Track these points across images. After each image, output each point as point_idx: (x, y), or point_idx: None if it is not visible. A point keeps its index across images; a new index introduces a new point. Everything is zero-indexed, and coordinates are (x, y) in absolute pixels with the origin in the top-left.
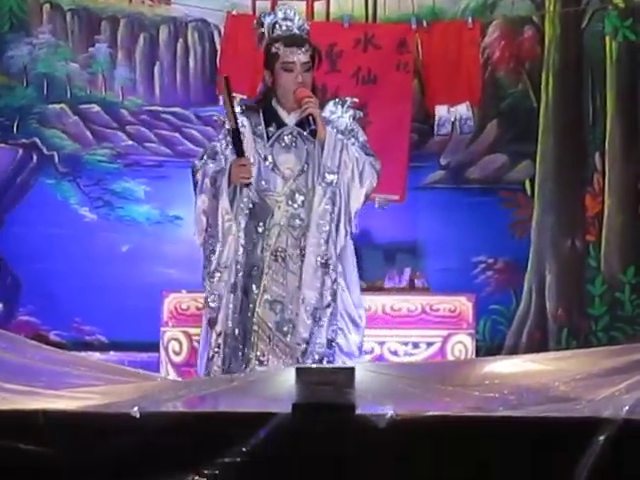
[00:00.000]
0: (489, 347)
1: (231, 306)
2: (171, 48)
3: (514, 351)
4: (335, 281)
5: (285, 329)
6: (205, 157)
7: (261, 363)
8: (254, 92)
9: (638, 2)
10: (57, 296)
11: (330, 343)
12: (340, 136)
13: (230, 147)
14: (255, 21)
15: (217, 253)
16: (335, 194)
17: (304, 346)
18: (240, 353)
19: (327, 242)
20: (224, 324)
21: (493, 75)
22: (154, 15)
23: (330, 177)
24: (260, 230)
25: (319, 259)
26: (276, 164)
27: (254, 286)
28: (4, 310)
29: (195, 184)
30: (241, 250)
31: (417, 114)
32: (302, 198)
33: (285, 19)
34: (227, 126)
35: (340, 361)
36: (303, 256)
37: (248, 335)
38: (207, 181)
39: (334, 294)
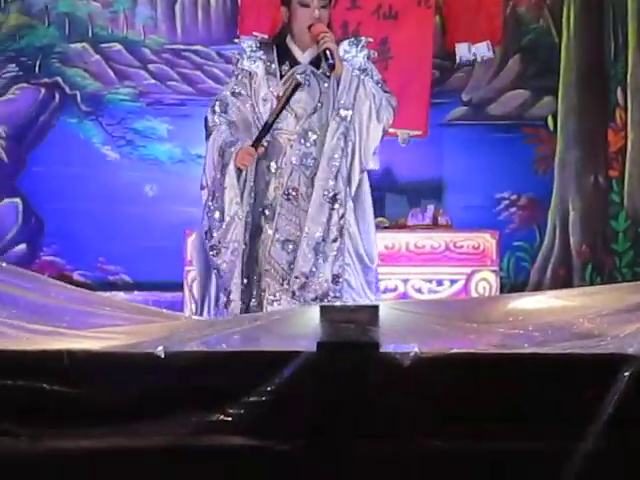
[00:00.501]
0: (513, 284)
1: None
2: None
3: (538, 288)
4: (343, 217)
5: None
6: (218, 110)
7: (273, 303)
8: (275, 32)
9: None
10: (80, 236)
11: (336, 278)
12: (357, 72)
13: (240, 92)
14: None
15: (220, 231)
16: (348, 130)
17: (303, 280)
18: (254, 293)
19: (336, 177)
20: (235, 268)
21: (514, 11)
22: None
23: (344, 112)
24: (273, 169)
25: (326, 193)
26: (289, 103)
27: (267, 226)
28: (27, 250)
29: (207, 138)
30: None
31: (438, 51)
32: (315, 137)
33: None
34: (240, 65)
35: (349, 298)
36: None
37: (260, 275)
38: (215, 151)
39: (341, 229)
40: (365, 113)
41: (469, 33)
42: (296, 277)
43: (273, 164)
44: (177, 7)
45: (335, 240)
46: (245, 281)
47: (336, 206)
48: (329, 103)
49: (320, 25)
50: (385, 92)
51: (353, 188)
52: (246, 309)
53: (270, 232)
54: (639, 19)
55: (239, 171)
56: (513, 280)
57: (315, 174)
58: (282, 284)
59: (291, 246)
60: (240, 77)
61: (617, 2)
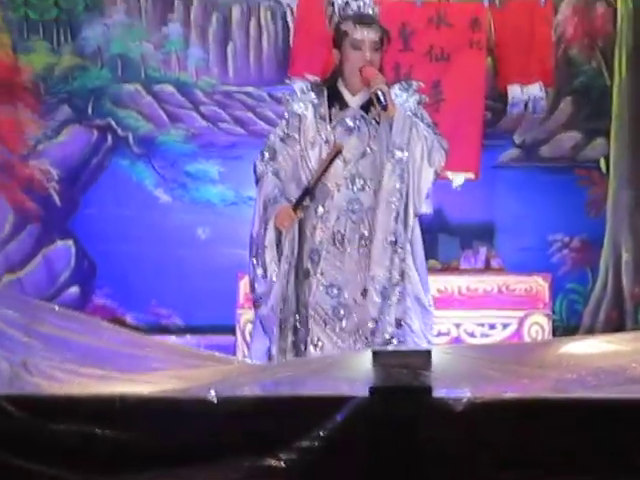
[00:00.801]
0: (566, 327)
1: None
2: (244, 28)
3: (591, 331)
4: (403, 260)
5: (341, 313)
6: (267, 157)
7: (316, 348)
8: (326, 73)
9: None
10: (133, 279)
11: (399, 323)
12: (409, 113)
13: (289, 135)
14: (326, 0)
15: (261, 287)
16: (404, 171)
17: (373, 325)
18: (298, 337)
19: (396, 220)
20: (280, 310)
21: (566, 53)
22: None
23: (399, 154)
24: (320, 213)
25: (389, 237)
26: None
27: (312, 270)
28: (80, 293)
29: (256, 184)
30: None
31: (490, 92)
32: (362, 182)
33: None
34: (289, 108)
35: (411, 342)
36: (362, 239)
37: (304, 319)
38: (260, 204)
39: (402, 273)
40: (418, 155)
41: (521, 74)
42: (366, 322)
43: (320, 208)
44: (229, 49)
45: (397, 284)
46: (288, 327)
47: (397, 249)
48: (382, 146)
49: (371, 68)
50: (436, 134)
51: (409, 231)
52: (294, 353)
53: (316, 276)
54: None
55: (279, 232)
56: (566, 323)
57: (362, 219)
58: (325, 328)
59: (335, 291)
60: (290, 120)
61: None
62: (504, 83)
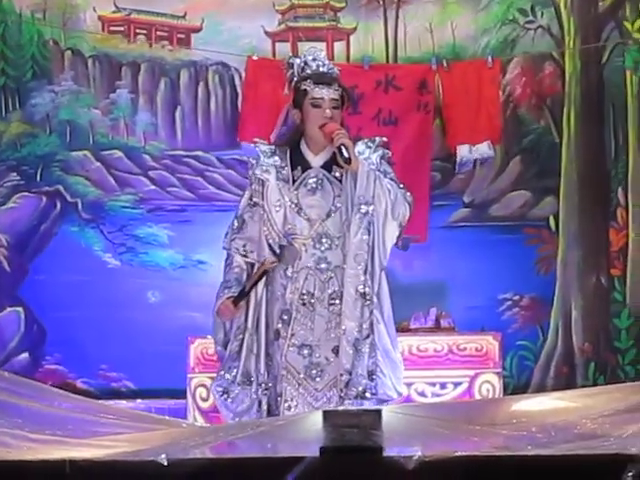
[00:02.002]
0: (516, 383)
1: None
2: (192, 92)
3: (541, 386)
4: (372, 312)
5: (314, 373)
6: (235, 226)
7: (289, 408)
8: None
9: None
10: (83, 344)
11: (371, 375)
12: (373, 166)
13: (255, 202)
14: (285, 63)
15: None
16: (370, 224)
17: (347, 377)
18: (271, 400)
19: (365, 273)
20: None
21: (515, 112)
22: (174, 59)
23: (365, 208)
24: (289, 274)
25: (359, 288)
26: (302, 207)
27: (283, 331)
28: (30, 359)
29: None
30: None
31: (439, 153)
32: (329, 241)
33: (314, 60)
34: (252, 173)
35: (383, 394)
36: (332, 297)
37: (276, 379)
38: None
39: (371, 326)
40: (382, 209)
41: (469, 134)
42: (341, 374)
43: (289, 269)
44: (177, 113)
45: (367, 337)
46: (259, 388)
47: (367, 302)
48: (347, 202)
49: (333, 123)
50: (400, 188)
51: (375, 285)
52: (266, 414)
53: (287, 337)
54: (639, 118)
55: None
56: (516, 379)
57: (330, 278)
58: (298, 389)
59: (306, 351)
60: (253, 185)
61: (617, 102)
62: (453, 143)
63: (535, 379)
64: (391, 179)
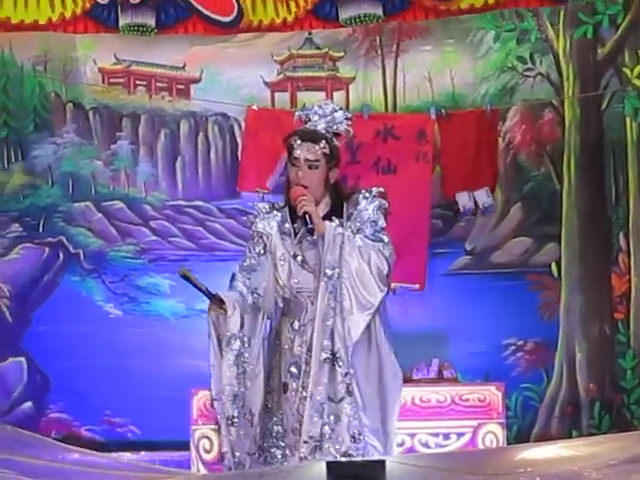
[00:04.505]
0: (521, 423)
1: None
2: (192, 142)
3: (547, 426)
4: (347, 374)
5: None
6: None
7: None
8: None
9: None
10: (86, 392)
11: (356, 437)
12: (339, 229)
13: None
14: (296, 116)
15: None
16: (336, 288)
17: (313, 443)
18: (280, 452)
19: (332, 337)
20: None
21: (515, 159)
22: (174, 110)
23: (330, 271)
24: (296, 327)
25: (323, 354)
26: (305, 260)
27: (293, 383)
28: (34, 408)
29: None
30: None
31: (439, 200)
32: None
33: (316, 113)
34: (254, 228)
35: (375, 453)
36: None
37: (286, 432)
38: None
39: (348, 387)
40: (354, 267)
41: (468, 181)
42: (305, 442)
43: (296, 322)
44: (177, 163)
45: (342, 399)
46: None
47: (336, 366)
48: (317, 265)
49: (297, 189)
50: (377, 241)
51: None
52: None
53: (297, 389)
54: (639, 164)
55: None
56: (521, 419)
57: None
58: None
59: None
60: (256, 239)
61: (617, 148)
62: (452, 190)
63: (540, 419)
64: (376, 230)
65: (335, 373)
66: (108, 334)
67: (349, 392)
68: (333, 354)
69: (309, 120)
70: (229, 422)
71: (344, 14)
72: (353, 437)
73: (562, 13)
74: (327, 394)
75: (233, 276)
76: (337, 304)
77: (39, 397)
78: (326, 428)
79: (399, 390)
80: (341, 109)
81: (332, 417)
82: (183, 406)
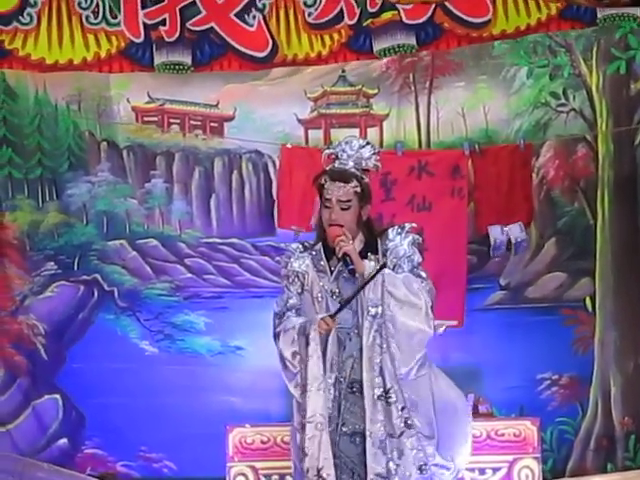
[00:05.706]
0: (556, 456)
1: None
2: (226, 180)
3: (582, 458)
4: (404, 409)
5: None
6: (287, 313)
7: None
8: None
9: None
10: (122, 428)
11: (422, 468)
12: (377, 269)
13: (297, 293)
14: (324, 154)
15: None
16: (381, 326)
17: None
18: None
19: (381, 374)
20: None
21: (548, 194)
22: (208, 148)
23: (373, 310)
24: (334, 362)
25: (376, 391)
26: (343, 297)
27: (333, 420)
28: (69, 444)
29: (275, 338)
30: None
31: (473, 236)
32: None
33: (344, 152)
34: (290, 267)
35: None
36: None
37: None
38: (294, 334)
39: (406, 421)
40: (399, 301)
41: (502, 216)
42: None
43: (335, 358)
44: (212, 202)
45: (402, 434)
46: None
47: (391, 401)
48: (359, 305)
49: (334, 229)
50: (418, 277)
51: (403, 378)
52: None
53: (337, 425)
54: None
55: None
56: (556, 452)
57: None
58: (352, 476)
59: (358, 438)
60: (292, 278)
61: None
62: (484, 224)
63: (575, 452)
64: (413, 266)
65: (390, 409)
66: (143, 371)
67: (408, 425)
68: (386, 391)
69: (337, 158)
70: None
71: (378, 46)
72: (420, 469)
73: (595, 49)
74: (386, 431)
75: (282, 314)
76: (383, 340)
77: (74, 433)
78: (391, 464)
79: (465, 417)
80: (368, 144)
81: (395, 452)
82: (218, 443)
